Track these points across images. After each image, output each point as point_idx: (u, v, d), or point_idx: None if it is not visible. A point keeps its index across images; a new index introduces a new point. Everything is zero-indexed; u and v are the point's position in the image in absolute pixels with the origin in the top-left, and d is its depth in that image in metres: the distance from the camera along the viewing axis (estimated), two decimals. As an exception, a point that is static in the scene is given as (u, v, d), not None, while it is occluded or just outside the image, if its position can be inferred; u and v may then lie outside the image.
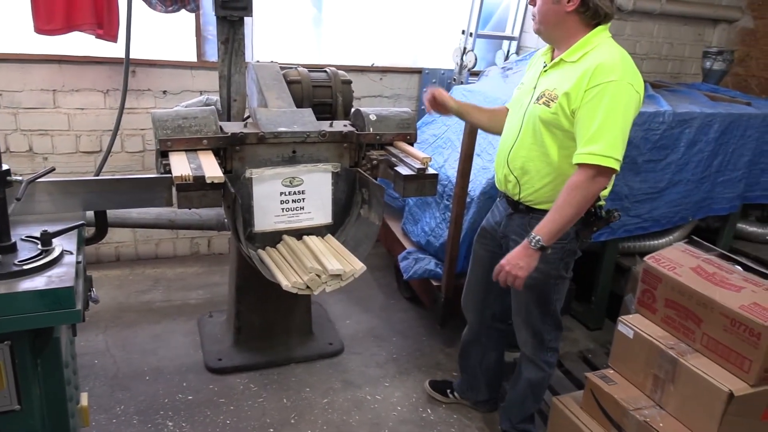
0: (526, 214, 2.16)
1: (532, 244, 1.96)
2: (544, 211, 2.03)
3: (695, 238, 2.46)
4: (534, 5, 2.03)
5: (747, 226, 3.96)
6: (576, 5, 1.93)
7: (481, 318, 2.54)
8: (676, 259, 2.23)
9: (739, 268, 2.15)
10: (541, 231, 1.95)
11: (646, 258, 2.29)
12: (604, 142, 1.84)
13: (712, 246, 2.40)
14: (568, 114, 1.94)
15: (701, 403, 1.96)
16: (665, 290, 2.18)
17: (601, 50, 1.94)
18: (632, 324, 2.24)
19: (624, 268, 3.45)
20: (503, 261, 2.04)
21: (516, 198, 2.17)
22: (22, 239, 1.58)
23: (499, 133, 2.33)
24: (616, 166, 1.86)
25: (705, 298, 2.02)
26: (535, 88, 2.10)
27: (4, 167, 1.46)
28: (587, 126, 1.87)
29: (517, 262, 1.99)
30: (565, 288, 2.27)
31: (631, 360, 2.23)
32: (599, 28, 1.99)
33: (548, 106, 1.98)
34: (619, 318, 2.30)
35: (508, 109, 2.33)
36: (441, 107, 2.38)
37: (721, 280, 2.08)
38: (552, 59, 2.08)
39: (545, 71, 2.08)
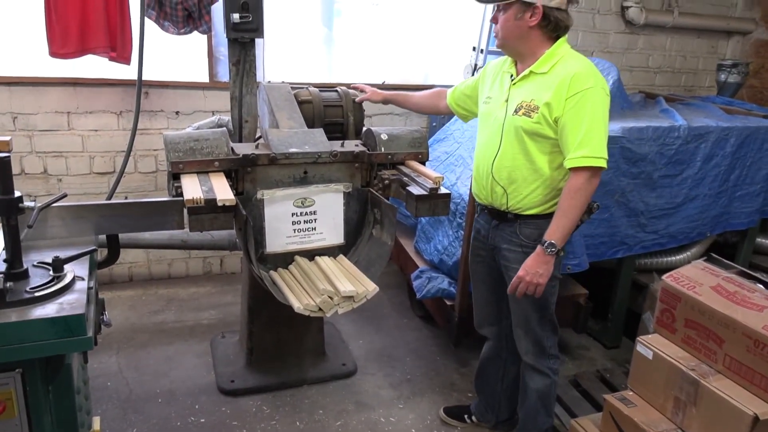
0: (514, 221, 2.22)
1: (548, 251, 2.04)
2: (531, 216, 2.16)
3: (714, 255, 2.42)
4: (496, 23, 2.12)
5: (766, 241, 3.88)
6: (538, 19, 2.04)
7: (500, 330, 2.53)
8: (696, 278, 2.19)
9: (761, 286, 2.10)
10: (554, 236, 2.04)
11: (664, 277, 2.24)
12: (593, 145, 1.97)
13: (732, 263, 2.35)
14: (551, 122, 2.04)
15: (725, 426, 1.90)
16: (685, 310, 2.13)
17: (570, 60, 2.07)
18: (651, 344, 2.19)
19: (641, 285, 3.39)
20: (520, 272, 2.10)
21: (504, 208, 2.22)
22: (34, 265, 1.58)
23: (434, 112, 2.82)
24: (606, 165, 2.01)
25: (726, 318, 1.97)
26: (507, 101, 2.16)
27: (17, 194, 1.46)
28: (575, 131, 1.99)
29: (536, 270, 2.07)
30: (557, 289, 2.31)
31: (651, 381, 2.18)
32: (561, 40, 2.11)
33: (529, 116, 2.07)
34: (638, 338, 2.26)
35: (444, 91, 2.59)
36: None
37: (743, 299, 2.03)
38: (518, 72, 2.16)
39: (515, 84, 2.15)
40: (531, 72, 2.10)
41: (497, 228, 2.27)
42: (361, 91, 2.76)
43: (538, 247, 2.06)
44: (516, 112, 2.10)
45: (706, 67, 5.07)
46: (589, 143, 1.97)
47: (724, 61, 4.69)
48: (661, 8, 4.65)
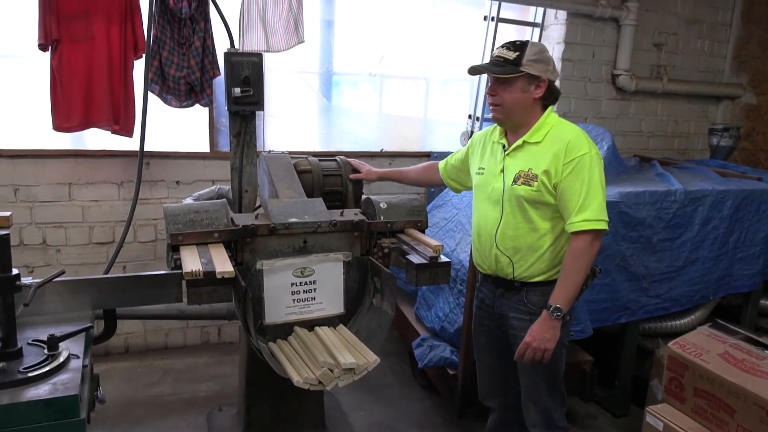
0: (520, 289, 2.21)
1: (554, 315, 2.03)
2: (538, 284, 2.16)
3: (720, 321, 2.39)
4: (494, 95, 2.15)
5: (771, 303, 3.84)
6: (543, 92, 2.12)
7: (506, 401, 2.47)
8: (702, 345, 2.16)
9: (769, 353, 2.07)
10: (559, 301, 2.04)
11: (670, 344, 2.21)
12: (593, 208, 2.02)
13: (738, 329, 2.32)
14: (551, 189, 2.08)
15: (743, 503, 1.83)
16: (693, 378, 2.09)
17: (562, 129, 2.14)
18: (661, 415, 2.13)
19: (647, 350, 3.33)
20: (527, 338, 2.09)
21: (510, 277, 2.21)
22: (29, 343, 1.55)
23: (431, 185, 2.79)
24: (607, 227, 2.05)
25: (737, 388, 1.93)
26: (503, 171, 2.19)
27: (14, 272, 1.45)
28: (575, 197, 2.02)
29: (543, 335, 2.06)
30: (565, 357, 2.28)
31: (663, 454, 2.11)
32: (549, 109, 2.18)
33: (529, 185, 2.10)
34: (647, 408, 2.20)
35: (436, 164, 2.64)
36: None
37: (752, 367, 1.99)
38: (510, 142, 2.21)
39: (508, 154, 2.19)
40: (524, 142, 2.15)
41: (503, 296, 2.26)
42: (356, 169, 2.77)
43: (544, 312, 2.06)
44: (515, 181, 2.13)
45: (698, 131, 5.16)
46: (590, 206, 2.01)
47: (715, 126, 4.79)
48: (650, 76, 4.78)
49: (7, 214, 1.82)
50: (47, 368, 1.44)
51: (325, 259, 2.38)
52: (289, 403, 2.89)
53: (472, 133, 4.21)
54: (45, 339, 1.53)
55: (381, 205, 2.47)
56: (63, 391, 1.37)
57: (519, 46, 2.11)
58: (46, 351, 1.50)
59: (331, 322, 2.44)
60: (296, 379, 2.06)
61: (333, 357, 2.13)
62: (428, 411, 3.35)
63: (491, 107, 2.20)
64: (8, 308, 1.45)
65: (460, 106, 4.53)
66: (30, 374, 1.41)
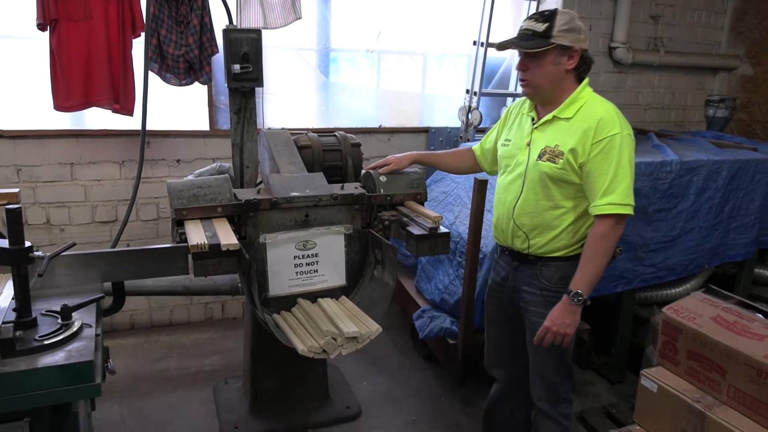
0: (535, 263, 2.18)
1: (574, 300, 2.00)
2: (554, 258, 2.12)
3: (713, 286, 2.44)
4: (525, 69, 2.06)
5: (765, 271, 3.91)
6: (576, 62, 2.02)
7: (511, 372, 2.49)
8: (695, 309, 2.21)
9: (760, 316, 2.12)
10: (580, 285, 2.00)
11: (664, 309, 2.27)
12: (619, 192, 1.95)
13: (730, 294, 2.38)
14: (576, 168, 2.01)
15: (733, 458, 1.90)
16: (686, 341, 2.15)
17: (594, 105, 2.05)
18: (655, 377, 2.20)
19: (642, 318, 3.40)
20: (547, 323, 2.06)
21: (525, 252, 2.19)
22: (43, 314, 1.60)
23: (463, 172, 2.66)
24: (632, 212, 1.98)
25: (728, 349, 1.99)
26: (529, 145, 2.13)
27: (27, 244, 1.50)
28: (601, 178, 1.96)
29: (563, 320, 2.02)
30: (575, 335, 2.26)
31: (657, 415, 2.18)
32: (584, 82, 2.09)
33: (554, 162, 2.03)
34: (642, 371, 2.26)
35: (470, 151, 2.51)
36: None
37: (743, 329, 2.05)
38: (540, 116, 2.13)
39: (537, 128, 2.12)
40: (554, 117, 2.07)
41: (518, 269, 2.25)
42: (385, 164, 2.54)
43: (564, 297, 2.01)
44: (540, 157, 2.06)
45: (695, 102, 5.18)
46: (616, 190, 1.94)
47: (711, 97, 4.81)
48: (647, 48, 4.79)
49: (15, 190, 1.87)
50: (62, 336, 1.49)
51: (327, 232, 2.42)
52: (294, 375, 2.96)
53: (469, 107, 4.23)
54: (58, 309, 1.58)
55: (381, 178, 2.51)
56: (78, 357, 1.43)
57: (548, 17, 1.99)
58: (59, 320, 1.56)
59: (333, 293, 2.49)
60: (301, 348, 2.12)
61: (336, 326, 2.19)
62: (429, 380, 3.43)
63: (521, 82, 2.11)
64: (22, 279, 1.50)
65: (457, 80, 4.54)
66: (46, 342, 1.46)
